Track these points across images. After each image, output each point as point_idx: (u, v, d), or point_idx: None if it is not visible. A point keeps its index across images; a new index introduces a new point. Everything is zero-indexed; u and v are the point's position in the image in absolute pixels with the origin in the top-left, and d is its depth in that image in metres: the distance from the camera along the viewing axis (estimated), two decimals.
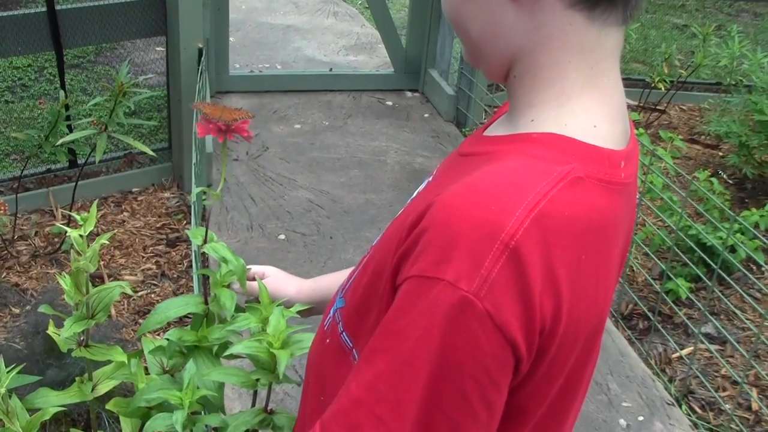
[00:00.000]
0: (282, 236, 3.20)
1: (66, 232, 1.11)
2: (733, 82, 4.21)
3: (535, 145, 0.72)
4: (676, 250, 2.77)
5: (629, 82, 4.54)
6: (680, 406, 2.54)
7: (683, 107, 4.86)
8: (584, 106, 0.74)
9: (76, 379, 1.26)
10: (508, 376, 0.67)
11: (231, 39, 4.51)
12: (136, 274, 3.01)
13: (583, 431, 2.38)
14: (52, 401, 1.22)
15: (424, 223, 0.67)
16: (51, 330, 1.25)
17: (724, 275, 2.53)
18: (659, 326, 2.81)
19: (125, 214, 3.37)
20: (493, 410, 0.67)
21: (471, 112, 4.21)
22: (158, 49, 4.21)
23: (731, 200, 3.66)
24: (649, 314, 2.86)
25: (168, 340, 1.09)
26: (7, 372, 1.14)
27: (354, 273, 0.88)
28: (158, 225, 3.31)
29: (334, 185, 3.60)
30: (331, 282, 1.17)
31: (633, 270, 3.17)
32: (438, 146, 4.03)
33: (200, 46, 3.29)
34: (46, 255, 3.06)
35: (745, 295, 2.55)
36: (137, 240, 3.20)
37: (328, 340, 0.87)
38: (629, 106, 4.19)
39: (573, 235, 0.67)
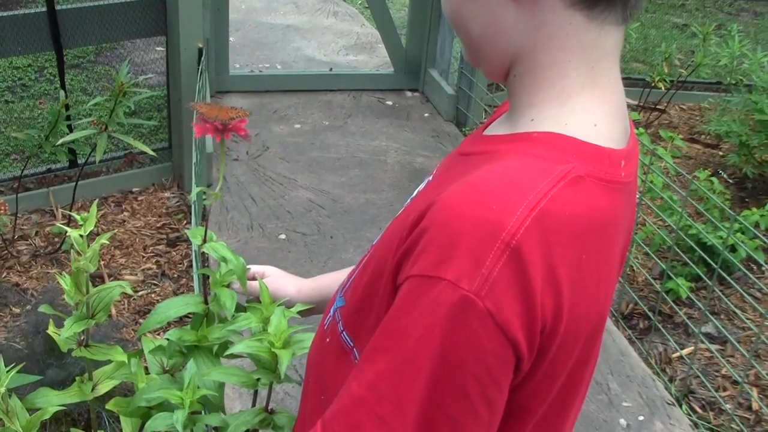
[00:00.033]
0: (282, 236, 3.20)
1: (66, 231, 1.11)
2: (734, 82, 4.21)
3: (535, 145, 0.72)
4: (677, 249, 2.77)
5: (629, 82, 4.54)
6: (680, 406, 2.54)
7: (683, 107, 4.86)
8: (584, 105, 0.74)
9: (77, 378, 1.25)
10: (510, 374, 0.67)
11: (231, 39, 4.51)
12: (136, 274, 3.02)
13: (584, 431, 2.38)
14: (52, 401, 1.22)
15: (425, 222, 0.68)
16: (51, 330, 1.25)
17: (724, 275, 2.53)
18: (659, 326, 2.81)
19: (125, 213, 3.37)
20: (494, 409, 0.67)
21: (471, 111, 4.21)
22: (158, 48, 4.21)
23: (731, 200, 3.66)
24: (650, 314, 2.86)
25: (168, 339, 1.09)
26: (7, 371, 1.14)
27: (354, 272, 0.88)
28: (158, 225, 3.31)
29: (335, 185, 3.60)
30: (331, 281, 1.17)
31: (633, 269, 3.17)
32: (438, 146, 4.03)
33: (200, 45, 3.29)
34: (47, 255, 3.06)
35: (745, 295, 2.55)
36: (137, 240, 3.20)
37: (328, 340, 0.87)
38: (629, 106, 4.19)
39: (574, 234, 0.67)
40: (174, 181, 3.60)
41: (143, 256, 3.12)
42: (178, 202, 3.47)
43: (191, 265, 3.04)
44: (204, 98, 3.15)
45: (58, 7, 3.13)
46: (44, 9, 3.10)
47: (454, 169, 0.78)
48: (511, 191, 0.66)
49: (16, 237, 3.11)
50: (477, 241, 0.64)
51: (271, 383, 1.06)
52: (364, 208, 3.44)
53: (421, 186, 0.87)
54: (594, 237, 0.69)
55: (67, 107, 2.88)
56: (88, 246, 1.13)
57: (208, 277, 1.12)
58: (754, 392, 2.62)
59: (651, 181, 2.97)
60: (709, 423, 2.52)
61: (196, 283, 2.78)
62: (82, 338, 1.21)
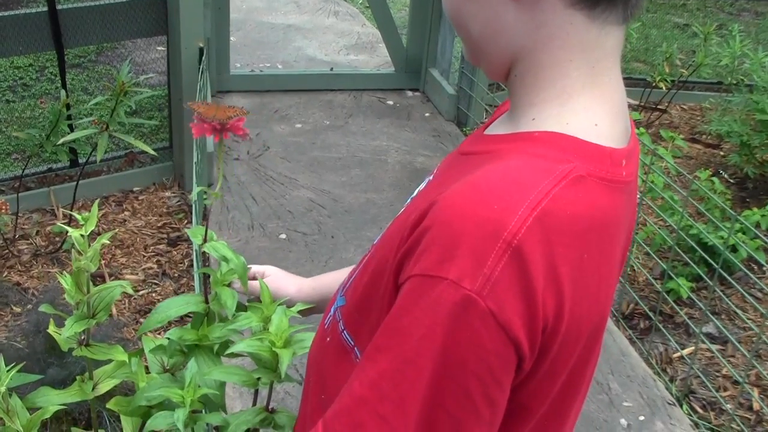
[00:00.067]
0: (283, 236, 3.20)
1: (67, 231, 1.11)
2: (735, 82, 4.21)
3: (536, 144, 0.72)
4: (677, 249, 2.77)
5: (630, 82, 4.54)
6: (681, 406, 2.54)
7: (684, 106, 4.86)
8: (585, 104, 0.74)
9: (77, 378, 1.25)
10: (511, 374, 0.67)
11: (232, 38, 4.51)
12: (137, 274, 3.02)
13: (584, 431, 2.38)
14: (52, 400, 1.22)
15: (426, 221, 0.68)
16: (52, 329, 1.25)
17: (725, 275, 2.53)
18: (660, 326, 2.81)
19: (126, 213, 3.37)
20: (495, 408, 0.68)
21: (472, 111, 4.21)
22: (159, 48, 4.21)
23: (732, 200, 3.66)
24: (650, 314, 2.86)
25: (169, 339, 1.09)
26: (8, 371, 1.14)
27: (355, 271, 0.88)
28: (159, 224, 3.31)
29: (335, 184, 3.60)
30: (331, 281, 1.18)
31: (634, 269, 3.17)
32: (439, 146, 4.03)
33: (201, 45, 3.29)
34: (48, 254, 3.06)
35: (746, 295, 2.54)
36: (138, 239, 3.21)
37: (328, 339, 0.87)
38: (630, 106, 4.19)
39: (575, 233, 0.67)
40: (175, 180, 3.60)
41: (144, 256, 3.12)
42: (178, 201, 3.47)
43: (192, 265, 3.04)
44: (205, 98, 3.15)
45: (59, 7, 3.13)
46: (45, 9, 3.10)
47: (455, 168, 0.78)
48: (512, 191, 0.66)
49: (17, 236, 3.12)
50: (479, 241, 0.64)
51: (271, 382, 1.06)
52: (364, 207, 3.44)
53: (422, 185, 0.87)
54: (595, 236, 0.69)
55: (68, 107, 2.89)
56: (89, 245, 1.13)
57: (209, 277, 1.12)
58: (755, 392, 2.61)
59: (652, 181, 2.97)
60: (709, 423, 2.52)
61: (196, 283, 2.78)
62: (82, 338, 1.21)
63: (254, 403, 1.14)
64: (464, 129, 4.22)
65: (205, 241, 1.07)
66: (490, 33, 0.76)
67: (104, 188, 3.47)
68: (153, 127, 3.99)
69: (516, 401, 0.70)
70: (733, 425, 2.49)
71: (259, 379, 1.06)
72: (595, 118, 0.74)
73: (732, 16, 6.74)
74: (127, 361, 1.22)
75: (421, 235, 0.67)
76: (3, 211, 2.79)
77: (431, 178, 0.85)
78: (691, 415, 2.52)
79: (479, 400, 0.66)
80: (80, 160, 3.40)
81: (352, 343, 0.82)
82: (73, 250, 1.12)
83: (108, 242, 3.02)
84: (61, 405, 1.21)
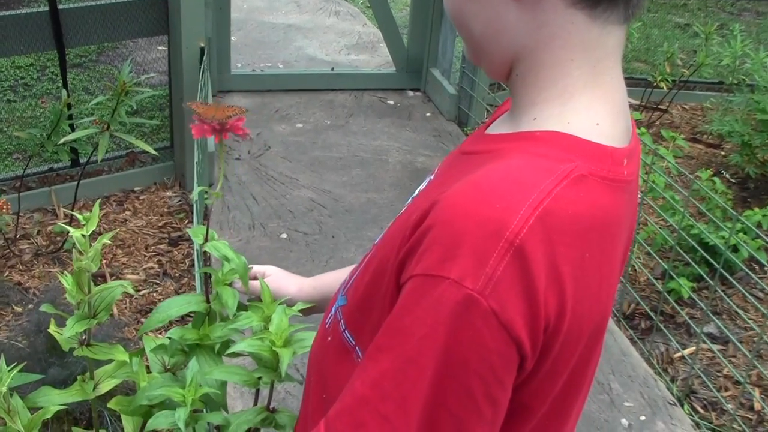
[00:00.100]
0: (284, 235, 3.20)
1: (68, 231, 1.11)
2: (736, 82, 4.20)
3: (538, 143, 0.72)
4: (679, 249, 2.77)
5: (631, 82, 4.54)
6: (682, 406, 2.54)
7: (685, 106, 4.86)
8: (587, 104, 0.74)
9: (78, 377, 1.26)
10: (513, 373, 0.67)
11: (233, 38, 4.51)
12: (138, 273, 3.02)
13: (586, 431, 2.37)
14: (54, 400, 1.22)
15: (428, 221, 0.68)
16: (53, 329, 1.25)
17: (726, 275, 2.52)
18: (661, 326, 2.81)
19: (127, 213, 3.37)
20: (497, 407, 0.68)
21: (473, 111, 4.21)
22: (160, 48, 4.21)
23: (733, 200, 3.66)
24: (651, 314, 2.86)
25: (170, 338, 1.09)
26: (9, 370, 1.14)
27: (356, 271, 0.88)
28: (160, 224, 3.32)
29: (336, 184, 3.60)
30: (332, 280, 1.18)
31: (635, 269, 3.17)
32: (440, 145, 4.03)
33: (202, 45, 3.29)
34: (49, 254, 3.06)
35: (747, 295, 2.54)
36: (139, 239, 3.21)
37: (329, 338, 0.87)
38: (631, 106, 4.19)
39: (577, 232, 0.67)
40: (176, 180, 3.60)
41: (145, 256, 3.12)
42: (179, 201, 3.47)
43: (193, 265, 3.04)
44: (206, 97, 3.15)
45: (60, 7, 3.13)
46: (47, 8, 3.10)
47: (456, 168, 0.78)
48: (514, 190, 0.66)
49: (18, 236, 3.12)
50: (480, 240, 0.64)
51: (272, 382, 1.06)
52: (365, 207, 3.44)
53: (423, 185, 0.87)
54: (597, 235, 0.69)
55: (69, 106, 2.89)
56: (90, 245, 1.13)
57: (210, 276, 1.12)
58: (756, 392, 2.61)
59: (653, 181, 2.97)
60: (710, 423, 2.52)
61: (197, 282, 2.78)
62: (83, 337, 1.21)
63: (255, 403, 1.14)
64: (465, 129, 4.22)
65: (206, 240, 1.07)
66: (491, 32, 0.76)
67: (105, 188, 3.47)
68: (154, 127, 3.99)
69: (517, 400, 0.70)
70: (734, 425, 2.49)
71: (260, 378, 1.06)
72: (596, 117, 0.74)
73: (733, 16, 6.74)
74: (128, 360, 1.23)
75: (423, 234, 0.67)
76: (4, 210, 2.79)
77: (432, 177, 0.85)
78: (692, 415, 2.52)
79: (481, 399, 0.66)
80: (81, 160, 3.41)
81: (354, 343, 0.82)
82: (74, 249, 1.12)
83: (109, 242, 3.02)
84: (62, 405, 1.21)
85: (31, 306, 2.75)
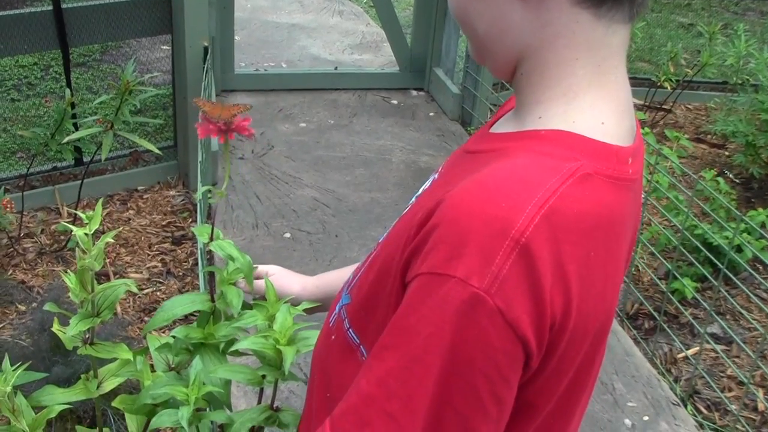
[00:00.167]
0: (287, 234, 3.20)
1: (71, 230, 1.11)
2: (740, 81, 4.19)
3: (543, 142, 0.72)
4: (682, 249, 2.77)
5: (635, 82, 4.53)
6: (686, 407, 2.54)
7: (689, 106, 4.85)
8: (591, 103, 0.74)
9: (82, 376, 1.25)
10: (519, 371, 0.67)
11: (236, 37, 4.51)
12: (141, 272, 3.02)
13: (589, 431, 2.37)
14: (57, 398, 1.22)
15: (434, 220, 0.68)
16: (56, 327, 1.25)
17: (730, 275, 2.52)
18: (665, 326, 2.80)
19: (131, 212, 3.37)
20: (503, 406, 0.68)
21: (476, 110, 4.21)
22: (164, 47, 4.22)
23: (737, 200, 3.65)
24: (655, 314, 2.85)
25: (175, 337, 1.09)
26: (13, 370, 1.14)
27: (360, 270, 0.88)
28: (164, 223, 3.32)
29: (340, 184, 3.60)
30: (335, 279, 1.18)
31: (639, 269, 3.16)
32: (443, 145, 4.03)
33: (206, 44, 3.29)
34: (52, 252, 3.07)
35: (751, 295, 2.54)
36: (143, 238, 3.21)
37: (333, 337, 0.87)
38: (635, 105, 4.18)
39: (582, 231, 0.67)
40: (179, 179, 3.61)
41: (148, 254, 3.12)
42: (183, 200, 3.47)
43: (196, 264, 3.04)
44: (209, 97, 3.15)
45: (64, 6, 3.14)
46: (50, 8, 3.11)
47: (461, 166, 0.78)
48: (519, 189, 0.66)
49: (21, 235, 3.12)
50: (486, 239, 0.64)
51: (276, 381, 1.06)
52: (369, 207, 3.44)
53: (427, 184, 0.86)
54: (602, 234, 0.69)
55: (72, 105, 2.89)
56: (94, 244, 1.13)
57: (214, 275, 1.12)
58: (760, 393, 2.61)
59: (657, 181, 2.96)
60: (714, 424, 2.51)
61: (201, 281, 2.79)
62: (87, 336, 1.21)
63: (259, 402, 1.14)
64: (468, 128, 4.22)
65: (211, 239, 1.07)
66: (496, 32, 0.76)
67: (109, 187, 3.47)
68: (157, 126, 4.00)
69: (522, 399, 0.70)
70: (737, 426, 2.49)
71: (264, 376, 1.06)
72: (601, 116, 0.74)
73: (737, 16, 6.73)
74: (132, 359, 1.22)
75: (429, 233, 0.67)
76: (8, 209, 2.79)
77: (437, 176, 0.85)
78: (695, 416, 2.51)
79: (487, 397, 0.66)
80: (85, 159, 3.41)
81: (358, 341, 0.82)
82: (77, 248, 1.12)
83: (112, 241, 3.03)
84: (65, 404, 1.21)
85: (34, 304, 2.75)
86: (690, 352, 2.77)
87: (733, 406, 2.53)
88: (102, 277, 2.92)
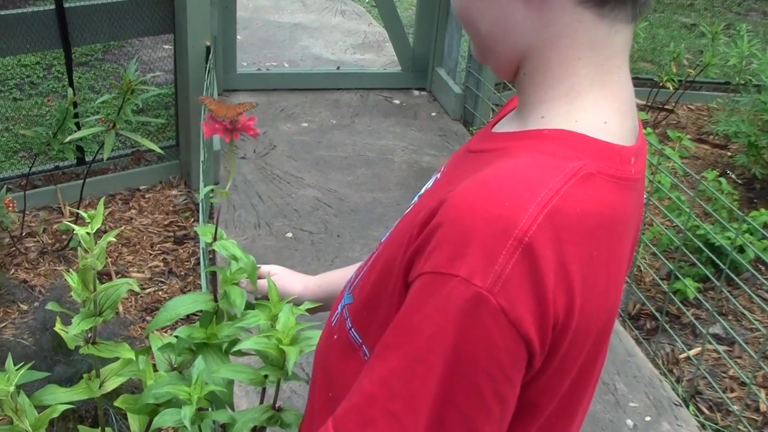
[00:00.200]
0: (289, 234, 3.20)
1: (74, 229, 1.11)
2: (742, 82, 4.19)
3: (546, 142, 0.72)
4: (684, 250, 2.76)
5: (637, 82, 4.49)
6: (687, 407, 2.53)
7: (691, 107, 4.84)
8: (594, 102, 0.74)
9: (84, 375, 1.26)
10: (522, 371, 0.67)
11: (238, 37, 4.51)
12: (143, 272, 3.02)
13: (591, 431, 2.37)
14: (60, 398, 1.22)
15: (437, 219, 0.68)
16: (58, 327, 1.25)
17: (732, 275, 2.52)
18: (667, 326, 2.80)
19: (133, 211, 3.38)
20: (505, 405, 0.68)
21: (478, 110, 4.20)
22: (166, 47, 4.22)
23: (740, 200, 3.64)
24: (657, 314, 2.85)
25: (177, 336, 1.09)
26: (16, 369, 1.14)
27: (362, 269, 0.88)
28: (166, 222, 3.32)
29: (342, 183, 3.60)
30: (337, 279, 1.18)
31: (641, 270, 3.16)
32: (445, 145, 4.03)
33: (208, 44, 3.29)
34: (54, 252, 3.07)
35: (753, 296, 2.54)
36: (145, 237, 3.21)
37: (335, 337, 0.87)
38: (637, 106, 4.17)
39: (585, 230, 0.67)
40: (181, 178, 3.61)
41: (150, 254, 3.13)
42: (185, 199, 3.47)
43: (198, 263, 3.04)
44: (212, 96, 3.15)
45: (66, 5, 3.14)
46: (53, 7, 3.11)
47: (463, 166, 0.78)
48: (522, 188, 0.66)
49: (23, 234, 3.12)
50: (489, 238, 0.64)
51: (278, 381, 1.06)
52: (371, 206, 3.44)
53: (429, 183, 0.87)
54: (605, 233, 0.69)
55: (75, 105, 2.89)
56: (96, 243, 1.13)
57: (216, 275, 1.12)
58: (762, 394, 2.61)
59: (659, 182, 2.96)
60: (716, 424, 2.51)
61: (203, 281, 2.79)
62: (89, 335, 1.21)
63: (261, 402, 1.14)
64: (471, 128, 4.22)
65: (215, 239, 1.07)
66: (498, 31, 0.76)
67: (111, 186, 3.48)
68: (160, 126, 4.00)
69: (525, 398, 0.70)
70: (740, 426, 2.48)
71: (266, 377, 1.06)
72: (603, 115, 0.74)
73: (740, 16, 6.72)
74: (134, 359, 1.23)
75: (432, 232, 0.67)
76: (10, 208, 2.80)
77: (439, 176, 0.85)
78: (697, 416, 2.51)
79: (490, 397, 0.66)
80: (87, 158, 3.41)
81: (360, 341, 0.82)
82: (79, 247, 1.12)
83: (114, 240, 3.03)
84: (68, 403, 1.21)
85: (36, 304, 2.75)
86: (692, 352, 2.77)
87: (735, 407, 2.53)
88: (104, 276, 2.92)
